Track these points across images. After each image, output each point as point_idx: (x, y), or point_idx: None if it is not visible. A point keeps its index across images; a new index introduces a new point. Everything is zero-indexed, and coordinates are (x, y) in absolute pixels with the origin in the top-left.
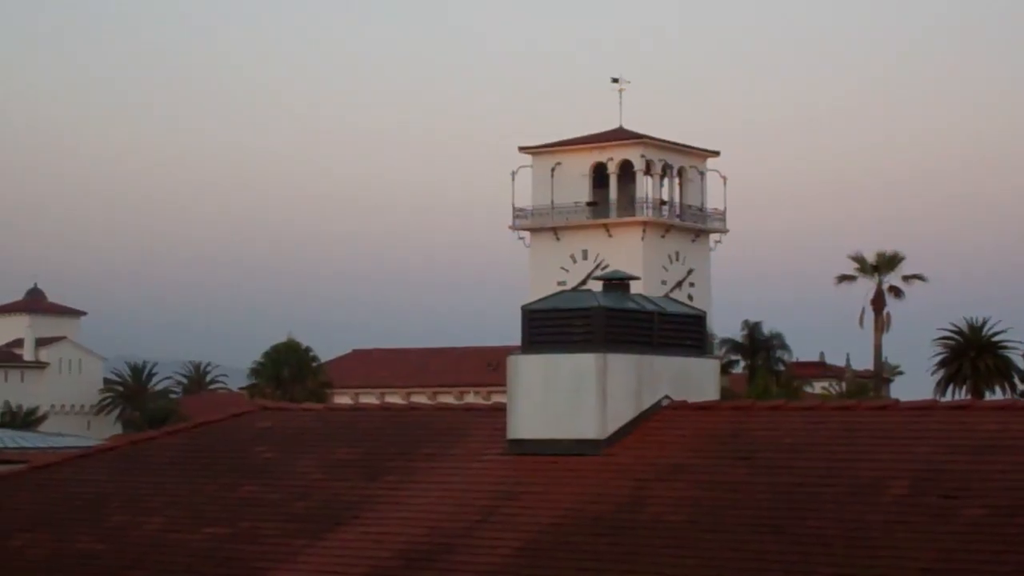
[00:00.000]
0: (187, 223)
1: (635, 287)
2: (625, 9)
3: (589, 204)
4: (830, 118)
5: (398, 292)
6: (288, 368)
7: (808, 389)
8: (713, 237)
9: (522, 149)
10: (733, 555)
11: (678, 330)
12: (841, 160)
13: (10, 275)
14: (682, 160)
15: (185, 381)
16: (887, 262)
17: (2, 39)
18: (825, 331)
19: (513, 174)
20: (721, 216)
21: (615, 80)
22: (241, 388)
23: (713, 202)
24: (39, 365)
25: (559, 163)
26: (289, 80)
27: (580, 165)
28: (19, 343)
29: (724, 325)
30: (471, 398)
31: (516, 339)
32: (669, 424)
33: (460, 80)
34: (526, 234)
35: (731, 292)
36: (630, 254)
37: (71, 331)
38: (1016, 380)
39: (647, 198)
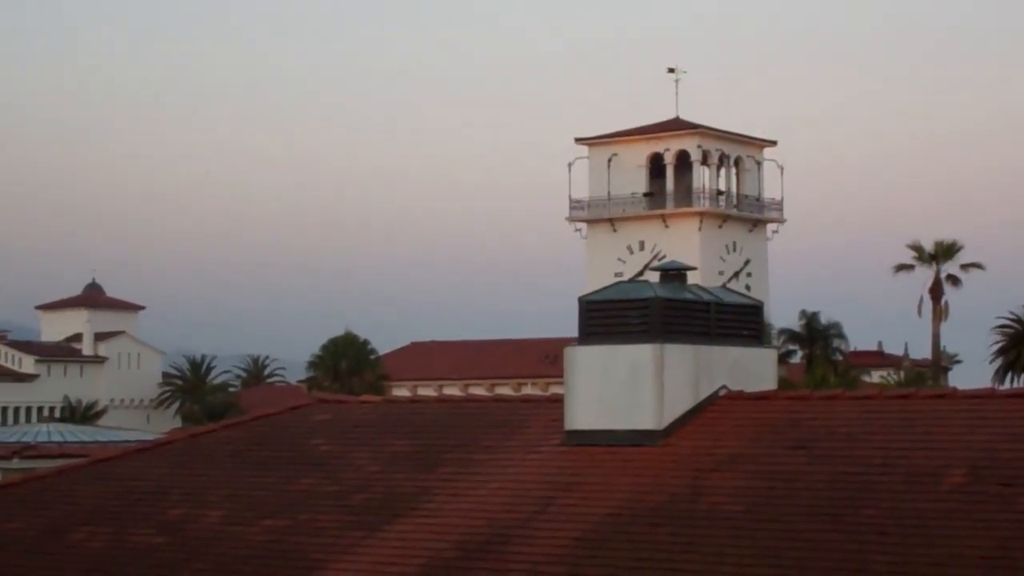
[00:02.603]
0: (245, 217)
1: (692, 277)
2: None
3: (646, 195)
4: (888, 106)
5: (455, 285)
6: (346, 361)
7: (866, 378)
8: (770, 227)
9: (578, 140)
10: (790, 544)
11: (735, 320)
12: (899, 148)
13: (69, 270)
14: (739, 150)
15: (243, 375)
16: (945, 251)
17: (61, 36)
18: (883, 320)
19: (569, 165)
20: (778, 206)
21: (671, 70)
22: (299, 381)
23: (770, 192)
24: (98, 360)
25: (615, 154)
26: (341, 75)
27: (636, 156)
28: (78, 338)
29: (782, 315)
30: (528, 390)
31: (573, 330)
32: (726, 414)
33: (515, 72)
34: (583, 225)
35: (789, 282)
36: (687, 244)
37: (130, 326)
38: None
39: (704, 188)
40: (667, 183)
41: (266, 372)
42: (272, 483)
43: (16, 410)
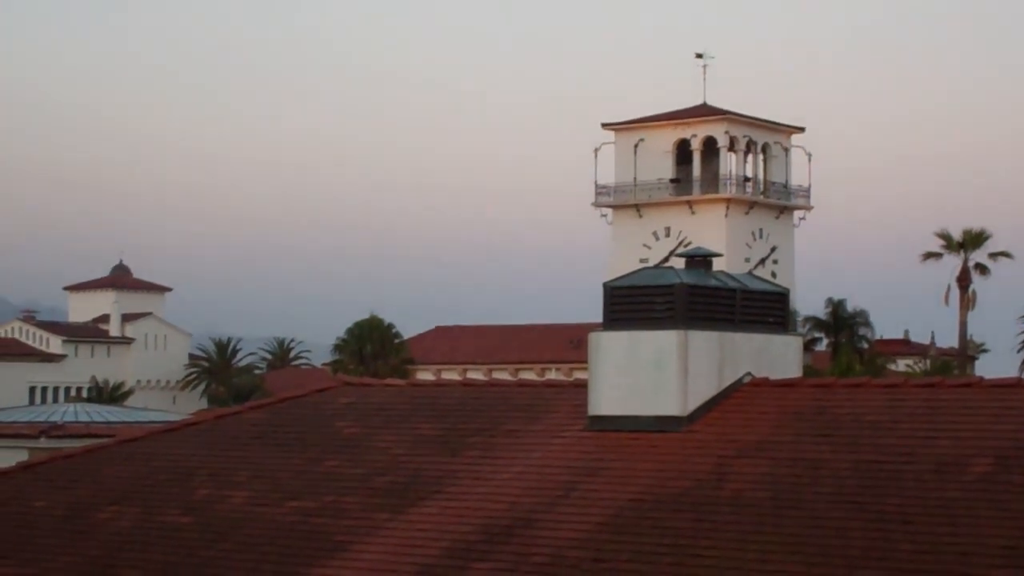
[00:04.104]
0: (272, 201)
1: (718, 264)
2: None
3: (672, 181)
4: (916, 94)
5: (481, 269)
6: (371, 344)
7: (892, 367)
8: (797, 214)
9: (605, 126)
10: (814, 532)
11: (761, 307)
12: (927, 137)
13: (96, 251)
14: (766, 136)
15: (269, 357)
16: (973, 239)
17: (85, 22)
18: (910, 309)
19: (596, 151)
20: (805, 193)
21: (699, 56)
22: (324, 364)
23: (797, 179)
24: (125, 341)
25: (642, 140)
26: (366, 61)
27: (663, 142)
28: (105, 319)
29: (808, 302)
30: (553, 375)
31: (598, 316)
32: (751, 401)
33: (543, 57)
34: (608, 211)
35: (815, 269)
36: (713, 231)
37: (156, 307)
38: None
39: (731, 175)
40: (694, 169)
41: (291, 355)
42: (297, 465)
43: (44, 390)
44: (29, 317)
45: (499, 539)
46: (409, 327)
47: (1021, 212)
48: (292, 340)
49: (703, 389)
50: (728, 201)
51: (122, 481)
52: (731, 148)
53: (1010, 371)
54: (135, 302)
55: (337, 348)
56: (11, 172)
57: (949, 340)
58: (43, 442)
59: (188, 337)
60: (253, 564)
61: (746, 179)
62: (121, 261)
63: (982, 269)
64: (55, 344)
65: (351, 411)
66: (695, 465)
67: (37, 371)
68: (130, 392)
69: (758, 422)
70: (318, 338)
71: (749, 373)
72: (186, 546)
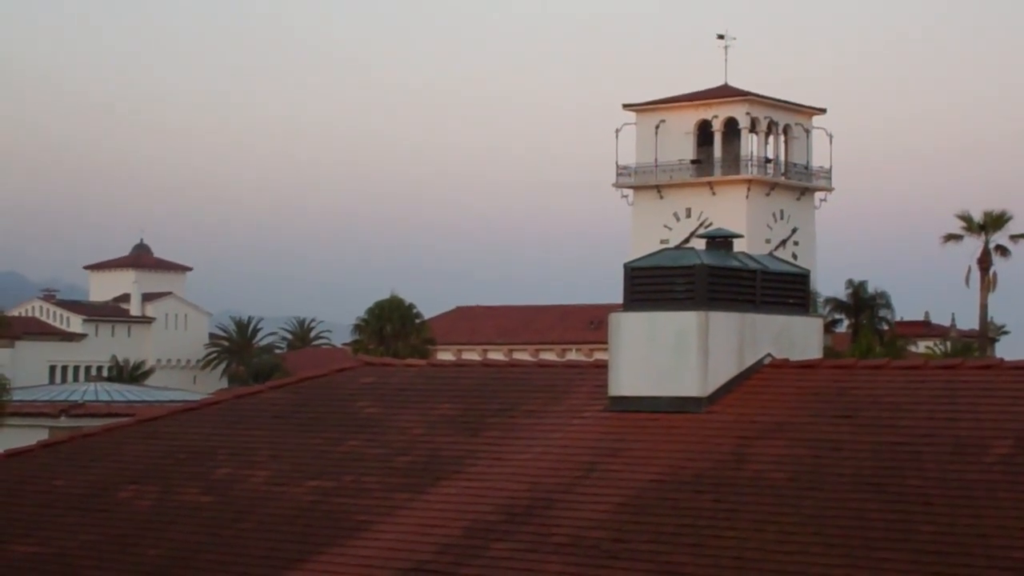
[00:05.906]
0: (292, 180)
1: (739, 245)
2: None
3: (693, 162)
4: (938, 75)
5: (502, 250)
6: (391, 325)
7: (912, 348)
8: (818, 195)
9: (626, 106)
10: (834, 513)
11: (781, 288)
12: (949, 118)
13: (117, 231)
14: (788, 117)
15: (290, 337)
16: (994, 221)
17: (105, 16)
18: (930, 290)
19: (617, 132)
20: (827, 174)
21: (721, 36)
22: (345, 344)
23: (819, 160)
24: (146, 320)
25: (663, 120)
26: (386, 46)
27: (684, 122)
28: (126, 298)
29: (828, 284)
30: (573, 355)
31: (618, 297)
32: (771, 382)
33: (564, 37)
34: (630, 192)
35: (836, 251)
36: (734, 212)
37: (177, 287)
38: None
39: (752, 156)
40: (715, 150)
41: (312, 335)
42: (317, 444)
43: (64, 369)
44: (50, 296)
45: (519, 519)
46: (430, 307)
47: None
48: (312, 320)
49: (723, 370)
50: (749, 182)
51: (142, 460)
52: (752, 129)
53: None
54: (155, 281)
55: (357, 328)
56: (34, 152)
57: (970, 322)
58: (64, 421)
59: (208, 317)
60: (273, 543)
61: (767, 160)
62: (142, 240)
63: (1003, 251)
64: (76, 323)
65: (371, 391)
66: (715, 446)
67: (58, 350)
68: (150, 371)
69: (778, 403)
70: (338, 318)
71: (769, 354)
72: (206, 525)
